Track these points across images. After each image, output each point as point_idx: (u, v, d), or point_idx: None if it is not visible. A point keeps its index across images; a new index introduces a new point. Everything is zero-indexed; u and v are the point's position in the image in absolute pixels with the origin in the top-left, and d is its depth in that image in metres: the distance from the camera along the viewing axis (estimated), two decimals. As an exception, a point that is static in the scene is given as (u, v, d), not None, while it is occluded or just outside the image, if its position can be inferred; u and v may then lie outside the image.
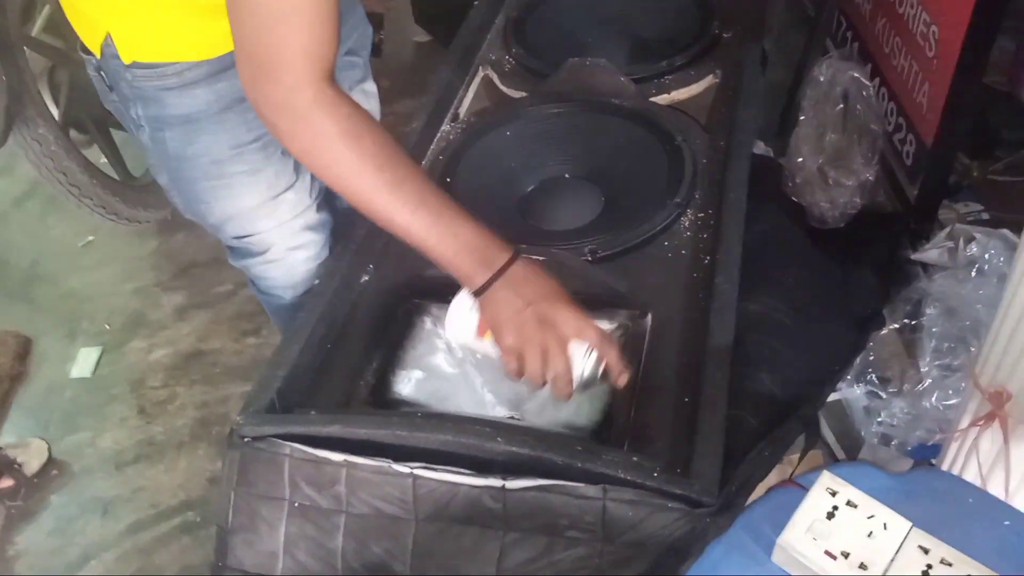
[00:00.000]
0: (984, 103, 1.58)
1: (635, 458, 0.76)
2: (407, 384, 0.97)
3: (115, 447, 1.69)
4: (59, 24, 1.88)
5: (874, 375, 1.37)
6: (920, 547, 0.64)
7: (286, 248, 1.15)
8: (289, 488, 0.82)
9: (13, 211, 2.35)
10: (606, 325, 0.93)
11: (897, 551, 0.64)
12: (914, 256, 1.48)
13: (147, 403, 1.76)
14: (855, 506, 0.67)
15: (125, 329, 1.95)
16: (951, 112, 1.41)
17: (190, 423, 1.70)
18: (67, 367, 1.88)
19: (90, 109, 1.96)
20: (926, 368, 1.32)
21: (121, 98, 1.00)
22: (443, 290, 1.01)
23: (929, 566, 0.63)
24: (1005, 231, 1.39)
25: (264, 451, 0.83)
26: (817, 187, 1.60)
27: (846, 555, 0.64)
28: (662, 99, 1.29)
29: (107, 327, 1.96)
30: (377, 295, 1.04)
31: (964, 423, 0.85)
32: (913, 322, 1.38)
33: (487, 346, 0.89)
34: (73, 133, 1.94)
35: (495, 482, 0.76)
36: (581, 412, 0.91)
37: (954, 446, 0.88)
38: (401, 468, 0.78)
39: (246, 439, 0.84)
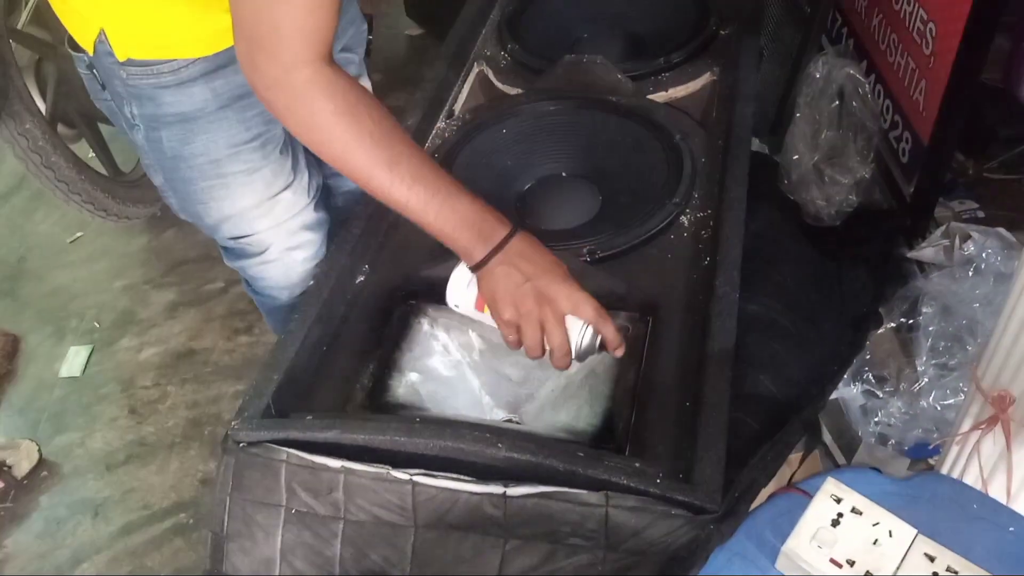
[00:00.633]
0: (980, 100, 1.58)
1: (637, 464, 0.75)
2: (404, 387, 0.96)
3: (106, 448, 1.67)
4: (45, 17, 1.85)
5: (870, 374, 1.37)
6: (926, 555, 0.64)
7: (284, 248, 1.14)
8: (286, 494, 0.81)
9: (0, 206, 2.32)
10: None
11: (903, 559, 0.64)
12: (910, 254, 1.48)
13: (138, 403, 1.74)
14: (860, 513, 0.66)
15: (115, 327, 1.92)
16: (948, 110, 1.40)
17: (181, 423, 1.68)
18: (56, 366, 1.85)
19: (78, 103, 1.93)
20: (922, 367, 1.32)
21: (114, 96, 0.98)
22: (440, 291, 1.00)
23: (935, 574, 0.62)
24: (1001, 229, 1.38)
25: (260, 456, 0.82)
26: (813, 184, 1.60)
27: (851, 563, 0.64)
28: (659, 96, 1.28)
29: (96, 325, 1.94)
30: (373, 297, 1.03)
31: (965, 426, 0.84)
32: (909, 321, 1.37)
33: (485, 318, 0.90)
34: (60, 128, 1.92)
35: (496, 489, 0.75)
36: (581, 416, 0.90)
37: (955, 449, 0.88)
38: (400, 475, 0.77)
39: (241, 444, 0.83)
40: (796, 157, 1.60)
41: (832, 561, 0.64)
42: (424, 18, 2.55)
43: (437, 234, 0.86)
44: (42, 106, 1.85)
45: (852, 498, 0.67)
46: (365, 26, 1.24)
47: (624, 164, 1.16)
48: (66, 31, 0.97)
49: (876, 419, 1.30)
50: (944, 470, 0.89)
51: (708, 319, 0.87)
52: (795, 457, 1.05)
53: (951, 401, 1.25)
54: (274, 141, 1.04)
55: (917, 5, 1.48)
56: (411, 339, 0.99)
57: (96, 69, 0.96)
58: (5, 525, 1.57)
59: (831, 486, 0.67)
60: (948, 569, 0.62)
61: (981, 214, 1.58)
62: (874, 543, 0.64)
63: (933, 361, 1.31)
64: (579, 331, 0.85)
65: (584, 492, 0.73)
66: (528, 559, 0.75)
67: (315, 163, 1.16)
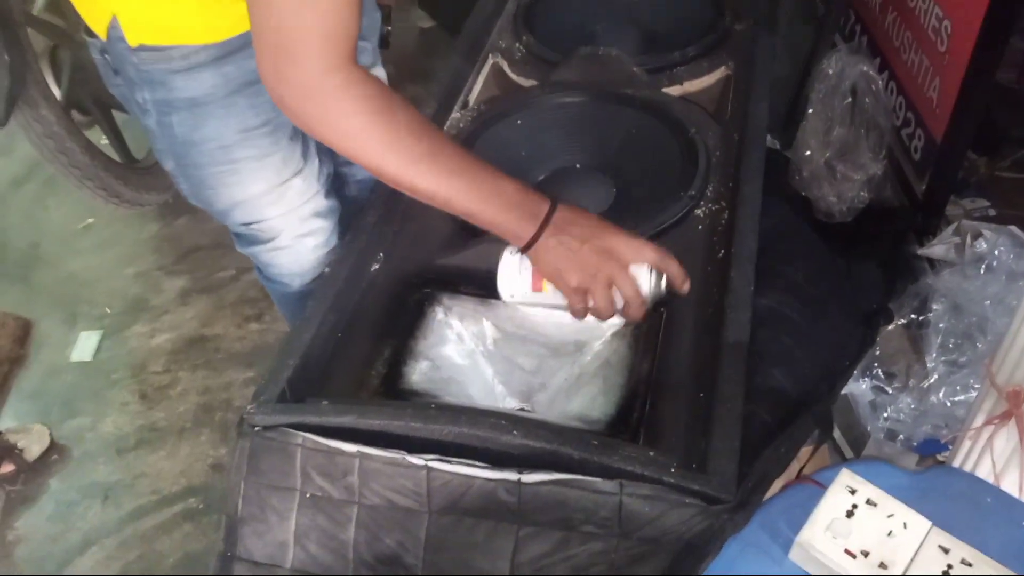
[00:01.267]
0: (993, 100, 1.58)
1: (652, 453, 0.76)
2: (418, 374, 0.96)
3: (116, 432, 1.68)
4: (61, 3, 1.86)
5: (880, 370, 1.37)
6: (940, 547, 0.64)
7: (295, 235, 1.14)
8: (301, 478, 0.82)
9: (12, 192, 2.34)
10: (615, 320, 0.93)
11: (917, 550, 0.64)
12: (920, 251, 1.48)
13: (148, 388, 1.75)
14: (875, 505, 0.66)
15: (126, 313, 1.93)
16: (962, 108, 1.40)
17: (192, 409, 1.69)
18: (67, 351, 1.86)
19: (92, 90, 1.94)
20: (932, 364, 1.32)
21: (127, 82, 0.98)
22: (454, 279, 1.01)
23: (949, 566, 0.63)
24: (1012, 227, 1.38)
25: (275, 441, 0.82)
26: (824, 181, 1.60)
27: (866, 554, 0.64)
28: (674, 90, 1.28)
29: (108, 311, 1.95)
30: (388, 284, 1.03)
31: (978, 421, 0.85)
32: (920, 317, 1.37)
33: (545, 297, 0.91)
34: (74, 114, 1.92)
35: (510, 475, 0.75)
36: (594, 405, 0.90)
37: (967, 444, 0.88)
38: (415, 460, 0.77)
39: (257, 428, 0.83)
40: (808, 153, 1.60)
41: (847, 552, 0.64)
42: (436, 10, 2.55)
43: (484, 222, 0.86)
44: (57, 92, 1.86)
45: (867, 490, 0.67)
46: (379, 15, 1.24)
47: (638, 157, 1.16)
48: (81, 18, 0.98)
49: (885, 415, 1.30)
50: (956, 465, 0.90)
51: (723, 312, 0.87)
52: (804, 451, 1.05)
53: (961, 398, 1.25)
54: (284, 127, 1.05)
55: (933, 3, 1.48)
56: (425, 327, 0.99)
57: (109, 55, 0.97)
58: (16, 507, 1.58)
59: (846, 477, 0.68)
60: (963, 562, 0.63)
61: (992, 212, 1.58)
62: (888, 535, 0.65)
63: (943, 358, 1.32)
64: (646, 278, 0.87)
65: (599, 480, 0.73)
66: (541, 545, 0.75)
67: (325, 151, 1.16)
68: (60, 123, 1.76)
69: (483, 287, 0.96)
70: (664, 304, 0.95)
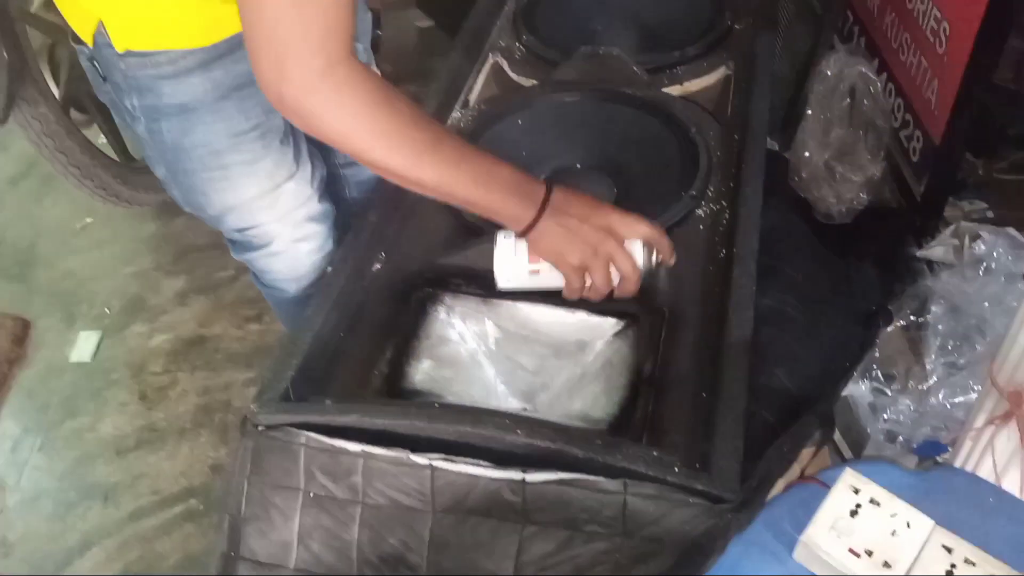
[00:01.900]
0: (991, 101, 1.58)
1: (655, 453, 0.76)
2: (420, 374, 0.96)
3: (115, 433, 1.68)
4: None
5: (879, 372, 1.37)
6: (944, 546, 0.64)
7: (290, 240, 1.14)
8: (304, 478, 0.82)
9: (9, 191, 2.33)
10: (615, 322, 0.94)
11: (921, 550, 0.64)
12: (919, 253, 1.49)
13: (148, 388, 1.75)
14: (878, 504, 0.66)
15: (125, 313, 1.93)
16: (961, 109, 1.41)
17: (192, 409, 1.69)
18: (66, 351, 1.86)
19: (90, 88, 1.92)
20: (931, 366, 1.33)
21: (115, 88, 0.98)
22: (456, 278, 1.01)
23: (953, 565, 0.63)
24: (1011, 229, 1.39)
25: (279, 440, 0.82)
26: (823, 182, 1.60)
27: (870, 553, 0.64)
28: (674, 89, 1.28)
29: (107, 311, 1.94)
30: (389, 283, 1.03)
31: (979, 421, 0.85)
32: (919, 319, 1.38)
33: (541, 279, 0.92)
34: (73, 113, 1.92)
35: (515, 475, 0.75)
36: (597, 405, 0.90)
37: (968, 444, 0.88)
38: (419, 459, 0.77)
39: (260, 428, 0.83)
40: (807, 154, 1.61)
41: (850, 551, 0.64)
42: (434, 10, 2.55)
43: (485, 208, 0.87)
44: (55, 91, 1.85)
45: (870, 489, 0.67)
46: (370, 16, 1.24)
47: (639, 157, 1.16)
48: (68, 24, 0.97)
49: (885, 416, 1.31)
50: (956, 465, 0.90)
51: (725, 310, 0.88)
52: (805, 452, 1.05)
53: (960, 399, 1.25)
54: (274, 131, 1.04)
55: (931, 4, 1.48)
56: (427, 327, 1.00)
57: (97, 61, 0.96)
58: (16, 507, 1.58)
59: (850, 477, 0.68)
60: (966, 561, 0.63)
61: (991, 214, 1.58)
62: (892, 534, 0.65)
63: (942, 359, 1.32)
64: (640, 253, 0.90)
65: (603, 479, 0.73)
66: (545, 545, 0.75)
67: (318, 154, 1.16)
68: (59, 121, 1.76)
69: (485, 286, 0.97)
70: (668, 303, 0.95)
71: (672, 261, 0.93)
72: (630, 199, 1.12)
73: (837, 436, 1.33)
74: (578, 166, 1.20)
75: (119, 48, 0.92)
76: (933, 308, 1.36)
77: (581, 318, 0.95)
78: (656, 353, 0.90)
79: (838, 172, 1.59)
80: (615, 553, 0.73)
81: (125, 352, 1.84)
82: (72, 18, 0.96)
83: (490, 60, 1.39)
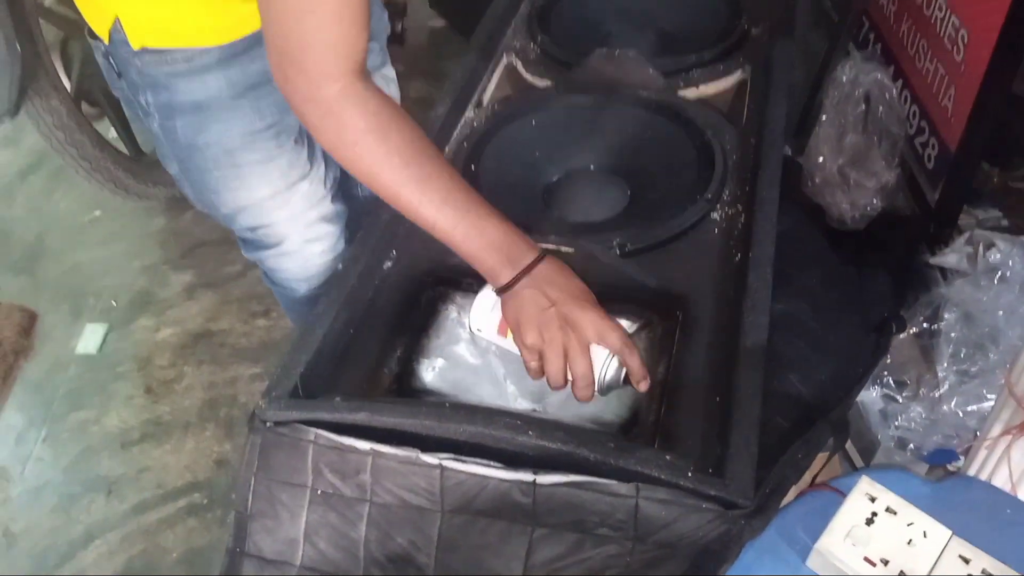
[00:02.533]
0: (1008, 109, 1.57)
1: (668, 457, 0.75)
2: (429, 373, 0.96)
3: (121, 426, 1.67)
4: (73, -5, 1.86)
5: (890, 379, 1.36)
6: (961, 556, 0.63)
7: (301, 240, 1.13)
8: (312, 475, 0.81)
9: (19, 184, 2.33)
10: (628, 324, 0.92)
11: (937, 560, 0.63)
12: (932, 261, 1.48)
13: (154, 382, 1.75)
14: (894, 513, 0.66)
15: (132, 307, 1.93)
16: (978, 118, 1.40)
17: (197, 404, 1.68)
18: (73, 343, 1.86)
19: (102, 83, 1.94)
20: (943, 374, 1.32)
21: (130, 85, 0.98)
22: (467, 278, 1.00)
23: (970, 576, 0.62)
24: (1026, 239, 1.38)
25: (287, 436, 0.82)
26: (837, 188, 1.59)
27: (885, 562, 0.64)
28: (689, 93, 1.28)
29: (114, 304, 1.94)
30: (400, 282, 1.03)
31: (995, 431, 0.84)
32: (931, 327, 1.37)
33: (509, 343, 0.89)
34: (84, 107, 1.92)
35: (526, 476, 0.74)
36: (608, 408, 0.90)
37: (982, 453, 0.87)
38: (429, 459, 0.77)
39: (268, 424, 0.83)
40: (821, 160, 1.60)
41: (866, 560, 0.64)
42: (447, 11, 2.55)
43: (464, 255, 0.85)
44: (67, 84, 1.85)
45: (887, 497, 0.66)
46: (386, 15, 1.23)
47: (654, 160, 1.16)
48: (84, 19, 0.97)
49: (896, 423, 1.30)
50: (970, 474, 0.89)
51: (740, 315, 0.87)
52: (817, 459, 1.04)
53: (972, 408, 1.24)
54: (288, 131, 1.04)
55: (949, 12, 1.47)
56: (438, 326, 0.99)
57: (112, 58, 0.96)
58: (19, 499, 1.58)
59: (866, 485, 0.67)
60: (983, 572, 0.62)
61: (1005, 223, 1.57)
62: (908, 543, 0.64)
63: (954, 367, 1.31)
64: (603, 362, 0.83)
65: (615, 483, 0.73)
66: (555, 548, 0.74)
67: None
68: (70, 115, 1.76)
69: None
70: (682, 306, 0.94)
71: (643, 388, 0.83)
72: (644, 202, 1.12)
73: (847, 443, 1.32)
74: (592, 168, 1.20)
75: (135, 45, 0.91)
76: (946, 316, 1.35)
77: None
78: (669, 356, 0.89)
79: (852, 178, 1.58)
80: (626, 557, 0.72)
81: (132, 345, 1.84)
82: (88, 14, 0.95)
83: (504, 60, 1.38)
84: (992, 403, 1.11)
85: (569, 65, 1.31)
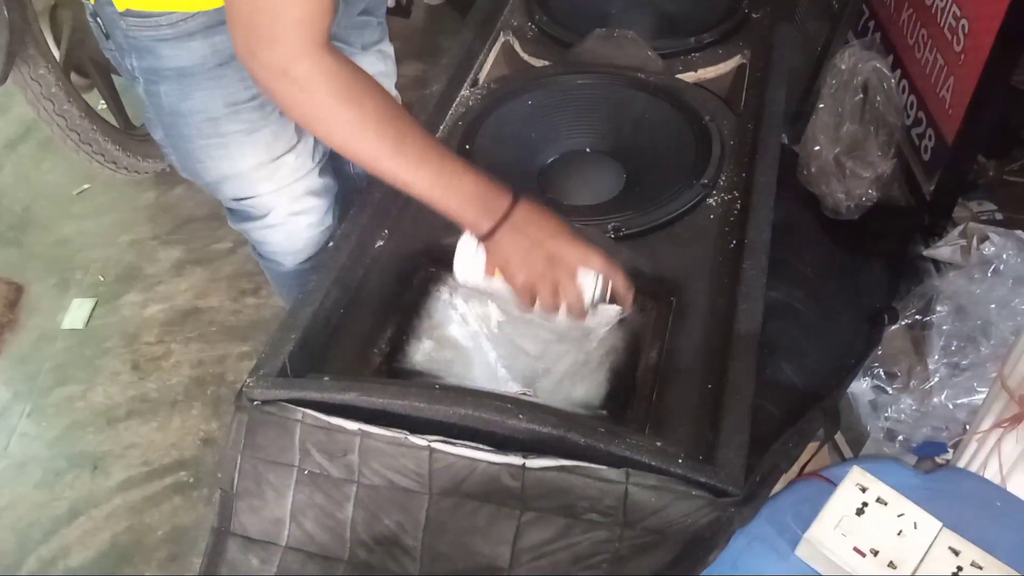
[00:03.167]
0: (1007, 102, 1.57)
1: (659, 443, 0.74)
2: (420, 354, 0.95)
3: (107, 402, 1.65)
4: (63, -38, 1.82)
5: (881, 370, 1.36)
6: (950, 548, 0.63)
7: (287, 213, 1.12)
8: (299, 455, 0.80)
9: (6, 154, 2.30)
10: (621, 308, 0.92)
11: (927, 551, 0.63)
12: (926, 252, 1.47)
13: (141, 358, 1.73)
14: (885, 503, 0.65)
15: (120, 281, 1.90)
16: (976, 110, 1.39)
17: (185, 381, 1.67)
18: (59, 317, 1.84)
19: (92, 52, 1.90)
20: (934, 366, 1.32)
21: (117, 47, 0.96)
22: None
23: (959, 568, 0.62)
24: (1020, 232, 1.38)
25: (275, 415, 0.81)
26: (833, 177, 1.59)
27: (875, 553, 0.63)
28: (688, 76, 1.26)
29: (101, 278, 1.92)
30: (392, 261, 1.01)
31: (987, 424, 0.84)
32: (923, 319, 1.37)
33: (496, 284, 0.91)
34: (73, 77, 1.88)
35: (515, 460, 0.74)
36: (599, 392, 0.89)
37: (973, 445, 0.87)
38: (418, 440, 0.76)
39: (256, 402, 0.82)
40: (817, 148, 1.59)
41: (856, 550, 0.63)
42: (444, -11, 2.52)
43: (443, 211, 0.87)
44: (56, 53, 1.82)
45: (877, 488, 0.66)
46: None
47: (651, 143, 1.14)
48: None
49: (885, 415, 1.30)
50: (960, 466, 0.89)
51: (734, 301, 0.86)
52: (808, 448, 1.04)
53: (963, 400, 1.25)
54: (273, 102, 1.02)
55: (950, 1, 1.46)
56: (429, 307, 0.98)
57: (100, 18, 0.94)
58: (3, 473, 1.56)
59: (857, 475, 0.67)
60: (973, 564, 0.62)
61: (999, 216, 1.57)
62: (898, 534, 0.64)
63: (945, 360, 1.31)
64: (591, 286, 0.88)
65: (604, 468, 0.72)
66: (543, 532, 0.74)
67: None
68: (59, 84, 1.72)
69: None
70: (676, 292, 0.94)
71: (629, 301, 0.90)
72: (640, 185, 1.11)
73: (836, 433, 1.32)
74: (588, 150, 1.18)
75: (119, 7, 0.90)
76: (939, 308, 1.35)
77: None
78: (662, 342, 0.89)
79: (848, 168, 1.57)
80: (614, 543, 0.72)
81: (119, 321, 1.82)
82: None
83: (501, 39, 1.37)
84: (982, 396, 1.11)
85: (567, 45, 1.30)
